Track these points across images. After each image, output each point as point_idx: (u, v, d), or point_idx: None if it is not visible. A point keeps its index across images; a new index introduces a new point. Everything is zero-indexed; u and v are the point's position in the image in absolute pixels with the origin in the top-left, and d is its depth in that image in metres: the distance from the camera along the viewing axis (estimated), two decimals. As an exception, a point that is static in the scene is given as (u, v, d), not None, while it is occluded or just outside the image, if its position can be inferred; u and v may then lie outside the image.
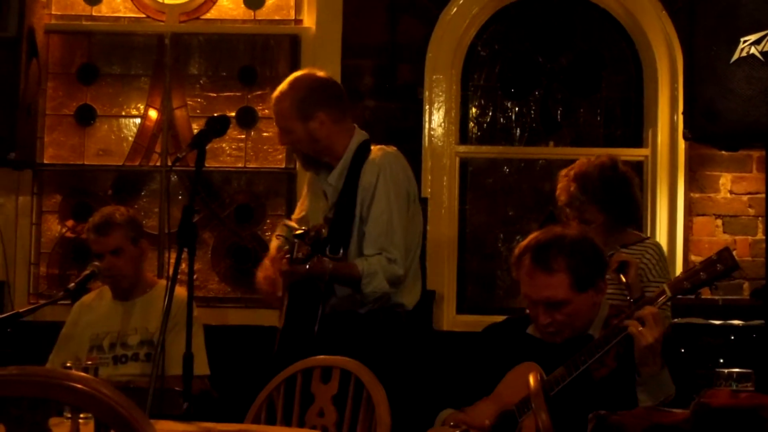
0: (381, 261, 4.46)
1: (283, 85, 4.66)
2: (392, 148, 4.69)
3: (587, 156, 4.77)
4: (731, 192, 6.00)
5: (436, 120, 6.15)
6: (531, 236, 3.72)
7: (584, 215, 4.59)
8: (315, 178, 4.79)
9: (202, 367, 4.94)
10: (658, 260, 4.56)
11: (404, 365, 4.62)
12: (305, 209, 4.85)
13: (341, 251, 4.48)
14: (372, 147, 4.67)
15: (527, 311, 4.06)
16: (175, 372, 4.16)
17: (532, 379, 3.44)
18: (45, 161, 6.36)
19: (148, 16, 6.43)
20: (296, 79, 4.67)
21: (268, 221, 6.35)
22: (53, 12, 6.40)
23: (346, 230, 4.54)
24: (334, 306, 4.54)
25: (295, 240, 4.45)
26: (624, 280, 4.32)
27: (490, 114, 6.35)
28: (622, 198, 4.59)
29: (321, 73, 4.75)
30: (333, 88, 4.73)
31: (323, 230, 4.42)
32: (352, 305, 4.55)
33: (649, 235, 5.90)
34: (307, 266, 4.38)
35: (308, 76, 4.71)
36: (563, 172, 4.71)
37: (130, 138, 6.40)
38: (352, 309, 4.56)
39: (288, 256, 4.48)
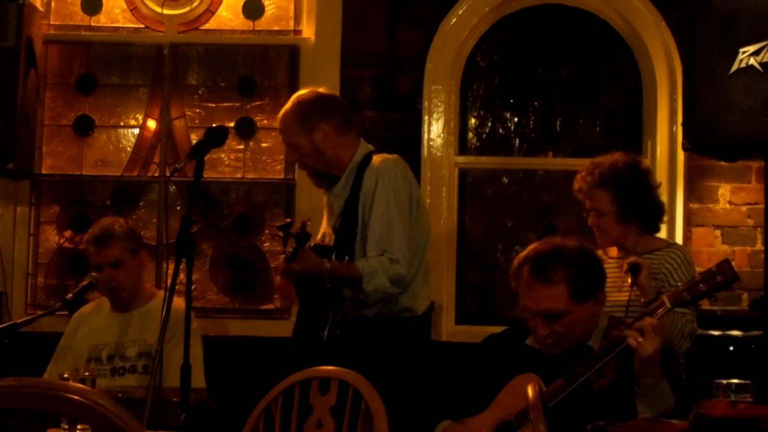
0: (382, 261, 4.52)
1: (286, 105, 4.80)
2: (393, 156, 4.77)
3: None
4: (730, 203, 6.00)
5: (435, 130, 6.15)
6: (530, 247, 3.72)
7: (594, 202, 4.56)
8: (328, 196, 4.87)
9: (197, 380, 4.93)
10: (680, 264, 4.47)
11: (410, 372, 4.65)
12: (324, 229, 4.91)
13: (346, 258, 4.55)
14: (374, 156, 4.74)
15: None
16: (172, 384, 4.16)
17: (530, 391, 3.44)
18: (43, 171, 6.35)
19: (147, 27, 6.43)
20: (298, 96, 4.82)
21: (266, 232, 6.34)
22: (52, 22, 6.40)
23: (351, 236, 4.60)
24: (345, 312, 4.59)
25: (281, 232, 4.57)
26: (629, 281, 4.30)
27: (489, 124, 6.35)
28: (633, 191, 4.54)
29: (322, 89, 4.89)
30: (334, 102, 4.87)
31: (308, 222, 4.48)
32: (360, 308, 4.59)
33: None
34: (298, 262, 4.45)
35: (309, 92, 4.84)
36: None
37: (128, 148, 6.39)
38: (361, 314, 4.61)
39: (284, 255, 4.54)
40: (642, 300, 4.28)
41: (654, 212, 4.64)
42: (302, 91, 4.88)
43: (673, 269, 4.44)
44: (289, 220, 4.70)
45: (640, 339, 3.37)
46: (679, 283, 4.28)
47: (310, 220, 4.61)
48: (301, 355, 4.51)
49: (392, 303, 4.62)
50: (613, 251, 4.61)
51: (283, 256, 4.56)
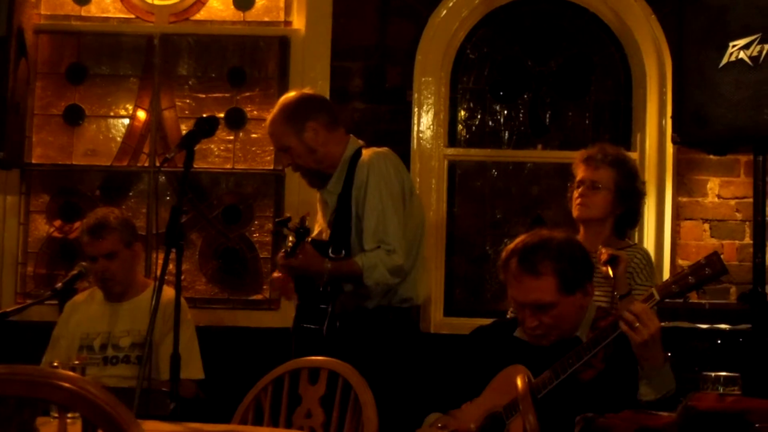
0: (380, 254, 4.57)
1: (273, 111, 4.87)
2: (384, 149, 4.83)
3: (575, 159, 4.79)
4: (719, 196, 6.01)
5: (425, 122, 6.15)
6: (518, 239, 3.72)
7: (598, 175, 4.57)
8: (321, 193, 4.92)
9: (196, 370, 4.95)
10: (645, 265, 4.52)
11: (410, 363, 4.69)
12: (320, 226, 4.92)
13: (343, 252, 4.58)
14: (364, 150, 4.79)
15: (509, 314, 4.06)
16: (168, 377, 4.15)
17: (519, 382, 3.44)
18: (33, 161, 6.35)
19: (137, 17, 6.42)
20: (283, 100, 4.89)
21: (255, 222, 6.35)
22: (42, 12, 6.40)
23: (346, 230, 4.63)
24: (344, 303, 4.62)
25: (279, 227, 4.60)
26: (611, 273, 4.31)
27: (479, 117, 6.36)
28: (634, 184, 4.60)
29: (307, 90, 5.01)
30: (320, 100, 4.95)
31: (307, 217, 4.50)
32: (360, 300, 4.63)
33: (636, 238, 5.92)
34: (298, 257, 4.49)
35: (294, 94, 4.92)
36: None
37: (118, 138, 6.39)
38: (361, 306, 4.66)
39: (284, 250, 4.56)
40: (615, 293, 4.29)
41: (633, 215, 4.68)
42: (287, 95, 4.94)
43: (639, 269, 4.46)
44: (288, 215, 4.72)
45: (637, 324, 3.37)
46: (639, 284, 4.37)
47: (309, 214, 4.63)
48: (301, 350, 4.52)
49: (392, 293, 4.67)
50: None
51: (283, 251, 4.58)
